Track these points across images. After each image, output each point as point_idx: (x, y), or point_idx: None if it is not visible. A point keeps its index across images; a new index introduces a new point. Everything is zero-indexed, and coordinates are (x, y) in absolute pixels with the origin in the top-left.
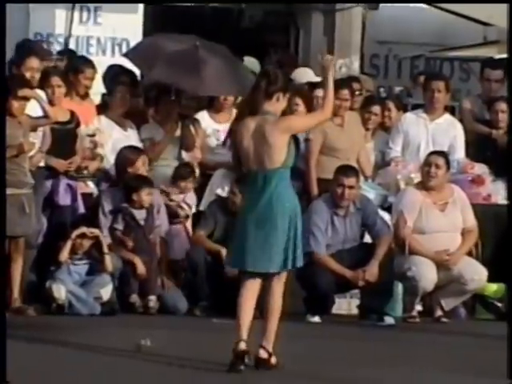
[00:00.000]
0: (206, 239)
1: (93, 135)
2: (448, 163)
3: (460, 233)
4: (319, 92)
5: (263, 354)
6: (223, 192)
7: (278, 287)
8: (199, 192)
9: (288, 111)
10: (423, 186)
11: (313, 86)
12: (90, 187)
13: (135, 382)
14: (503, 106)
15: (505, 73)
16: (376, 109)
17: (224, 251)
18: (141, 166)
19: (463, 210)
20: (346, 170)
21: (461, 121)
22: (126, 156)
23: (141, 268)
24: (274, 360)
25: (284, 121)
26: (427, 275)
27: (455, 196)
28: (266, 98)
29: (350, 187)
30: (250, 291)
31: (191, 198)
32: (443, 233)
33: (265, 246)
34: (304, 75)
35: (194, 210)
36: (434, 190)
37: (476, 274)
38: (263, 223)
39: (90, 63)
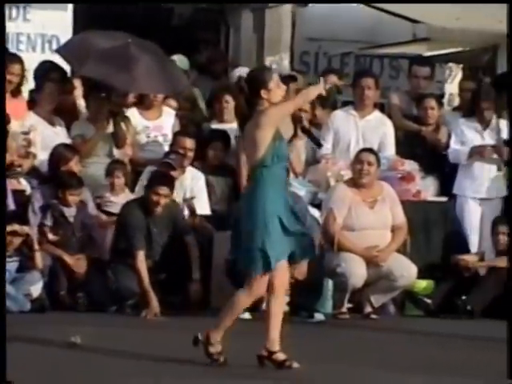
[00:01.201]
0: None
1: (27, 133)
2: (378, 160)
3: (389, 230)
4: None
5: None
6: None
7: None
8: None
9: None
10: (353, 182)
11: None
12: (23, 184)
13: (66, 379)
14: (432, 103)
15: (432, 70)
16: (306, 106)
17: None
18: (73, 165)
19: (392, 207)
20: None
21: (389, 117)
22: (61, 154)
23: (70, 264)
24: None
25: (259, 116)
26: (357, 272)
27: (384, 193)
28: (254, 98)
29: None
30: None
31: (126, 195)
32: (373, 230)
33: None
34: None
35: None
36: (364, 187)
37: (405, 271)
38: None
39: (17, 59)
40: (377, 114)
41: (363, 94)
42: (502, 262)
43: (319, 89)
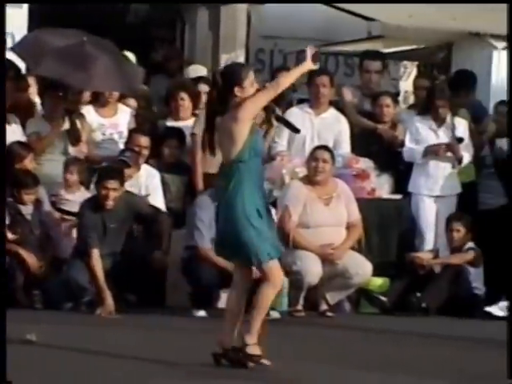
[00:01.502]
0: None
1: None
2: (333, 158)
3: (344, 227)
4: (203, 87)
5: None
6: None
7: None
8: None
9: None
10: (308, 180)
11: (197, 80)
12: None
13: (20, 377)
14: (388, 100)
15: (384, 64)
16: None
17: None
18: (28, 163)
19: (348, 205)
20: None
21: (344, 114)
22: (16, 152)
23: (27, 261)
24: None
25: (235, 110)
26: (312, 269)
27: (339, 190)
28: (227, 95)
29: None
30: None
31: (82, 193)
32: (328, 227)
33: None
34: (196, 71)
35: None
36: (319, 184)
37: (360, 269)
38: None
39: None
40: (332, 111)
41: (318, 91)
42: (457, 259)
43: (304, 67)
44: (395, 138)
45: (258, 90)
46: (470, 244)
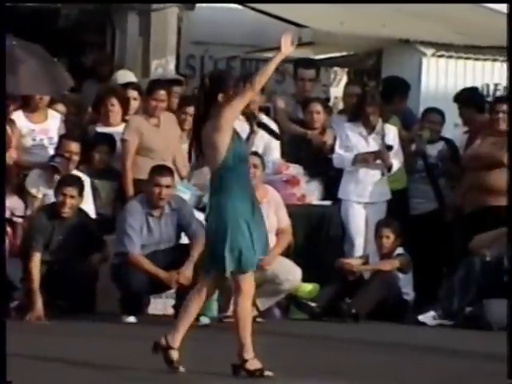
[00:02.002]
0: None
1: None
2: (263, 163)
3: (274, 233)
4: (132, 93)
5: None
6: (38, 192)
7: None
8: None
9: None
10: None
11: (126, 86)
12: None
13: None
14: (318, 107)
15: (317, 72)
16: (191, 110)
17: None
18: None
19: (277, 211)
20: (161, 170)
21: (275, 120)
22: None
23: None
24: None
25: (215, 119)
26: None
27: (269, 196)
28: (211, 101)
29: (167, 186)
30: None
31: (11, 199)
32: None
33: None
34: (125, 76)
35: (21, 212)
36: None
37: (290, 275)
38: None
39: None
40: (263, 117)
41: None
42: (386, 265)
43: (280, 57)
44: (324, 144)
45: (234, 95)
46: (400, 250)
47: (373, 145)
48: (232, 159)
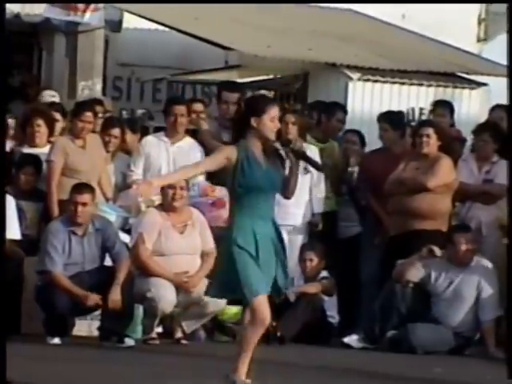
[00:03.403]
0: None
1: None
2: (188, 185)
3: (199, 255)
4: (55, 114)
5: None
6: None
7: None
8: None
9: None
10: (163, 208)
11: (50, 106)
12: None
13: None
14: None
15: (242, 95)
16: (116, 131)
17: None
18: None
19: (202, 233)
20: (79, 188)
21: (201, 143)
22: None
23: None
24: None
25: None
26: (166, 297)
27: (194, 218)
28: (245, 124)
29: (83, 204)
30: None
31: None
32: (183, 255)
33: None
34: (49, 97)
35: None
36: (174, 212)
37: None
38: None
39: None
40: (188, 139)
41: (176, 121)
42: (311, 288)
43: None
44: None
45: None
46: (324, 273)
47: None
48: (238, 188)
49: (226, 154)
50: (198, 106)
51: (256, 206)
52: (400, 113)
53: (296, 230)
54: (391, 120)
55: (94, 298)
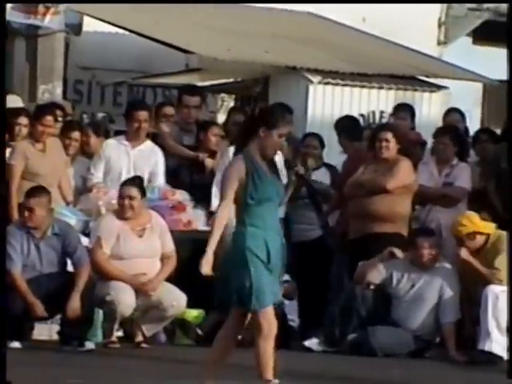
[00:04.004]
0: None
1: None
2: (143, 192)
3: (158, 258)
4: (22, 119)
5: None
6: None
7: None
8: None
9: None
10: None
11: (13, 112)
12: None
13: None
14: (217, 130)
15: (202, 99)
16: (76, 134)
17: None
18: None
19: (161, 236)
20: (32, 192)
21: (161, 146)
22: None
23: None
24: None
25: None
26: (125, 300)
27: (153, 222)
28: (252, 132)
29: (32, 208)
30: None
31: None
32: (142, 258)
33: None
34: (13, 102)
35: None
36: (132, 216)
37: (175, 300)
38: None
39: None
40: (148, 143)
41: (138, 125)
42: None
43: None
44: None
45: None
46: (286, 277)
47: None
48: (247, 198)
49: (239, 175)
50: (169, 110)
51: (267, 218)
52: (353, 117)
53: None
54: (346, 126)
55: (39, 309)
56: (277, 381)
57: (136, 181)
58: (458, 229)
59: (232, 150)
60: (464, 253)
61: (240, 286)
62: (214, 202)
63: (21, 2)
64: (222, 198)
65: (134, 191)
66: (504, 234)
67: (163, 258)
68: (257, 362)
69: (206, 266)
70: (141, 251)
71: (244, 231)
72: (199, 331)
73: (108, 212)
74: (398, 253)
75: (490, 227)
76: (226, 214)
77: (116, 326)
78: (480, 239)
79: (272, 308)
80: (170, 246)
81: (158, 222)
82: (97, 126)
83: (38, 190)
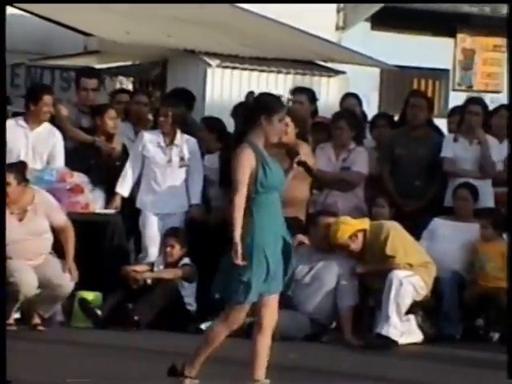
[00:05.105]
0: None
1: None
2: (24, 178)
3: (46, 235)
4: None
5: None
6: None
7: None
8: None
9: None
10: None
11: None
12: None
13: None
14: (113, 113)
15: (100, 81)
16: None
17: None
18: None
19: (49, 212)
20: None
21: (59, 128)
22: None
23: None
24: None
25: (233, 158)
26: (27, 280)
27: (36, 202)
28: (253, 120)
29: None
30: None
31: None
32: (25, 241)
33: None
34: None
35: None
36: (11, 202)
37: (62, 280)
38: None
39: None
40: (47, 125)
41: (40, 109)
42: (168, 274)
43: None
44: (113, 150)
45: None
46: (186, 260)
47: (174, 155)
48: (256, 188)
49: (250, 163)
50: (143, 98)
51: (273, 205)
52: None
53: (170, 218)
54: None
55: None
56: (267, 381)
57: (13, 166)
58: (337, 236)
59: (146, 134)
60: (360, 269)
61: (237, 277)
62: (122, 183)
63: (21, 3)
64: (235, 187)
65: (9, 177)
66: (383, 222)
67: (60, 231)
68: (251, 360)
69: (239, 259)
70: (21, 234)
71: (250, 222)
72: (99, 312)
73: None
74: (303, 238)
75: (364, 222)
76: (243, 203)
77: (15, 309)
78: (361, 236)
79: (248, 307)
80: (61, 218)
81: (43, 200)
82: None
83: None
